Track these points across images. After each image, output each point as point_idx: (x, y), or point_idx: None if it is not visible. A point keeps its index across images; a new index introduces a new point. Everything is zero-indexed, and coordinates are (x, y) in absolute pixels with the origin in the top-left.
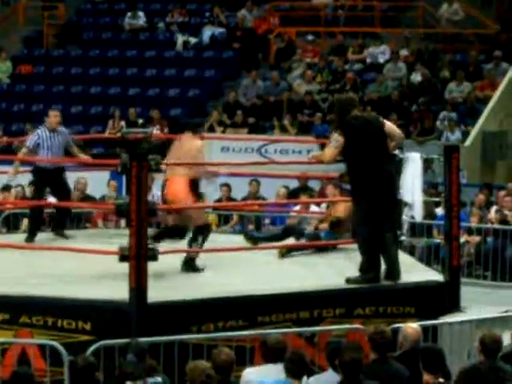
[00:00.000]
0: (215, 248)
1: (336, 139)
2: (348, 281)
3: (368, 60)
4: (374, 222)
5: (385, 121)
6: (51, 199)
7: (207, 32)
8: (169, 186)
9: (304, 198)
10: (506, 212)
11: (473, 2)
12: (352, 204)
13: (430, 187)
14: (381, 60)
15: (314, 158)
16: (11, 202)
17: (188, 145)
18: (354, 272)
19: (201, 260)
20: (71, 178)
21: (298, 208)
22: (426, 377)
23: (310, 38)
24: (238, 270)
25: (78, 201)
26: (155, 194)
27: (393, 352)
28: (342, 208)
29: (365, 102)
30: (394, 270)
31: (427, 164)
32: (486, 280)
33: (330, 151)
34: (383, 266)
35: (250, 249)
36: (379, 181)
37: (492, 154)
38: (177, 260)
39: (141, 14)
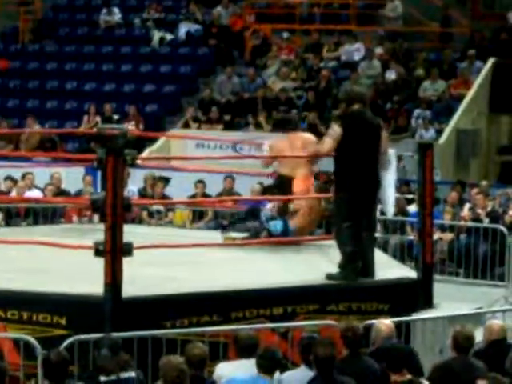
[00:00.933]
0: (190, 243)
1: (335, 130)
2: (328, 277)
3: (343, 58)
4: (354, 218)
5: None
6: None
7: (183, 28)
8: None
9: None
10: (479, 210)
11: (448, 1)
12: (334, 198)
13: (402, 184)
14: (356, 58)
15: (309, 153)
16: None
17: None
18: (327, 268)
19: None
20: (46, 173)
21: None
22: (393, 376)
23: (285, 35)
24: (212, 265)
25: (53, 196)
26: (130, 189)
27: (365, 348)
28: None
29: (339, 100)
30: (368, 269)
31: (400, 161)
32: (459, 277)
33: (329, 143)
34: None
35: (224, 245)
36: (366, 179)
37: (465, 152)
38: (150, 255)
39: (116, 10)
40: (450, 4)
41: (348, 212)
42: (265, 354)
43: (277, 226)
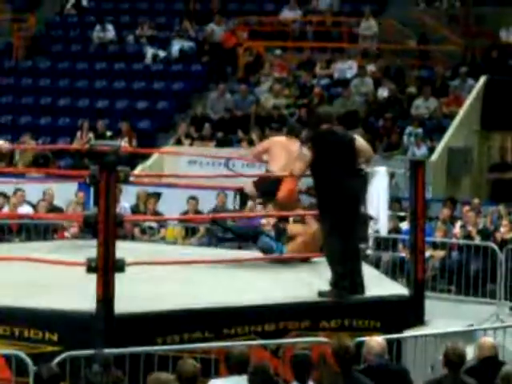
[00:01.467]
0: (181, 260)
1: (304, 153)
2: (320, 294)
3: (335, 75)
4: (340, 236)
5: (356, 136)
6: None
7: (176, 45)
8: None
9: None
10: (470, 227)
11: (439, 19)
12: (319, 217)
13: (394, 201)
14: (348, 75)
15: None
16: None
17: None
18: (319, 285)
19: None
20: (39, 189)
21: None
22: None
23: (278, 52)
24: (204, 282)
25: (46, 212)
26: (123, 206)
27: (357, 365)
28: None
29: (337, 117)
30: (357, 285)
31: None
32: (451, 294)
33: (299, 165)
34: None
35: (216, 262)
36: (343, 196)
37: (457, 169)
38: (142, 271)
39: (110, 27)
40: (441, 22)
41: (333, 230)
42: (256, 371)
43: (271, 246)
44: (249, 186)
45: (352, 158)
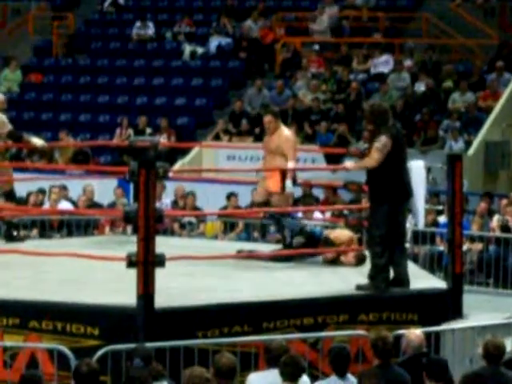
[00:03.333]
0: (219, 255)
1: (384, 143)
2: (358, 288)
3: (372, 70)
4: (389, 228)
5: None
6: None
7: (214, 42)
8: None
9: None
10: (508, 219)
11: (476, 13)
12: (371, 208)
13: (431, 196)
14: (385, 70)
15: (356, 168)
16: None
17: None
18: (356, 278)
19: None
20: (79, 185)
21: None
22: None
23: (315, 48)
24: (243, 276)
25: (86, 208)
26: (164, 202)
27: (396, 358)
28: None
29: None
30: (404, 278)
31: (429, 173)
32: (488, 287)
33: (377, 155)
34: (392, 273)
35: (254, 256)
36: (401, 190)
37: (494, 163)
38: (182, 266)
39: (150, 24)
40: (477, 15)
41: (384, 222)
42: (288, 361)
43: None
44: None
45: (406, 152)
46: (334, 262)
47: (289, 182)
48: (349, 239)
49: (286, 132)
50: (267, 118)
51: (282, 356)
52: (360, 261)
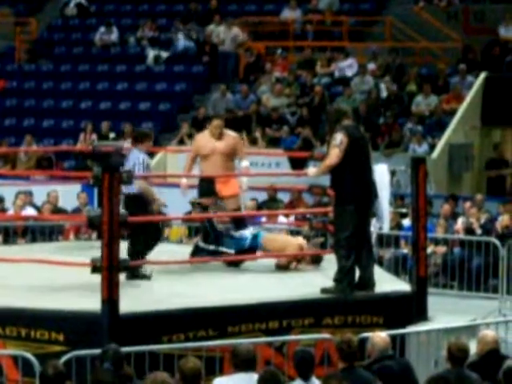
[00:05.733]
0: (184, 260)
1: (340, 139)
2: (323, 291)
3: (336, 74)
4: (354, 230)
5: None
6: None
7: (177, 46)
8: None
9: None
10: (473, 223)
11: (439, 16)
12: (336, 210)
13: (396, 199)
14: (349, 74)
15: (318, 173)
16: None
17: None
18: (321, 282)
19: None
20: (43, 191)
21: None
22: None
23: (278, 52)
24: (207, 281)
25: (50, 214)
26: None
27: (361, 361)
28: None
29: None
30: (369, 282)
31: (393, 176)
32: (453, 290)
33: (335, 151)
34: (357, 276)
35: (218, 260)
36: (365, 191)
37: (458, 165)
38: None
39: (114, 29)
40: (441, 19)
41: (349, 224)
42: (267, 377)
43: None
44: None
45: (369, 153)
46: (287, 267)
47: (245, 179)
48: (282, 246)
49: (232, 133)
50: (218, 122)
51: (250, 360)
52: (315, 262)
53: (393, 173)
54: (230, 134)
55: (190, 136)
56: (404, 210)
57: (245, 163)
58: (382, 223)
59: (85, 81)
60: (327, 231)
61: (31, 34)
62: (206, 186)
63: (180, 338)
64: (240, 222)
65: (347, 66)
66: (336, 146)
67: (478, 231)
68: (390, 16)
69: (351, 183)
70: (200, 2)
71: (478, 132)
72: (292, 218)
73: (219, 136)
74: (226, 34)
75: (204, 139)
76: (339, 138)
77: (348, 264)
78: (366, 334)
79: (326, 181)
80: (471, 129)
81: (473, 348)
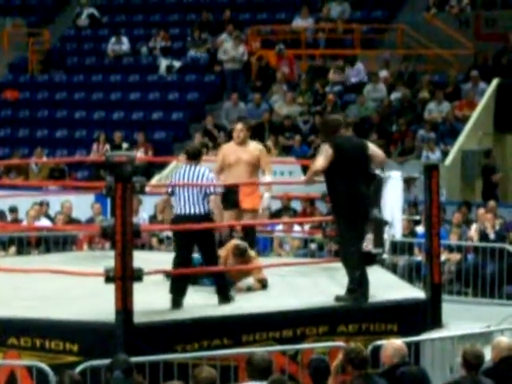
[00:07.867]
0: (198, 269)
1: (326, 150)
2: (337, 299)
3: (348, 82)
4: (357, 241)
5: (368, 143)
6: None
7: (189, 56)
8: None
9: (286, 219)
10: (488, 229)
11: (451, 23)
12: (337, 223)
13: (410, 206)
14: (355, 80)
15: (306, 179)
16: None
17: None
18: (335, 290)
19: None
20: (56, 201)
21: (280, 228)
22: None
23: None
24: None
25: (64, 224)
26: (142, 216)
27: (375, 369)
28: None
29: (346, 123)
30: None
31: (407, 183)
32: (467, 297)
33: (318, 160)
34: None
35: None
36: (356, 202)
37: (471, 172)
38: (161, 280)
39: (125, 39)
40: (452, 25)
41: (352, 235)
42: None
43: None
44: None
45: (365, 163)
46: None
47: (267, 195)
48: (226, 254)
49: (257, 144)
50: (239, 126)
51: (265, 369)
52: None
53: (408, 180)
54: (256, 145)
55: (203, 145)
56: (417, 217)
57: (268, 177)
58: (394, 230)
59: (97, 91)
60: None
61: (44, 45)
62: (230, 197)
63: (194, 347)
64: (251, 236)
65: (353, 73)
66: (320, 155)
67: (492, 236)
68: (402, 23)
69: (344, 195)
70: (212, 12)
71: (491, 138)
72: (306, 227)
73: (243, 142)
74: (232, 50)
75: (229, 148)
76: (324, 148)
77: (358, 275)
78: (380, 342)
79: None
80: (484, 135)
81: (487, 354)
